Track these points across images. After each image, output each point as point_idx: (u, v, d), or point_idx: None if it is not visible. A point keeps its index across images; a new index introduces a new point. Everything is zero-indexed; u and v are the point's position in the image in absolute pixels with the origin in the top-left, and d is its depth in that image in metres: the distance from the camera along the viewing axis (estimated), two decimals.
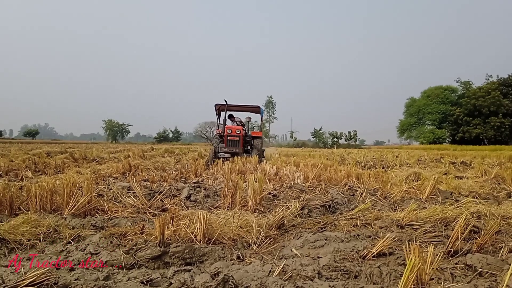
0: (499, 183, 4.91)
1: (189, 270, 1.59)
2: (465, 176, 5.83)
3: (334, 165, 6.72)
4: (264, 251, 2.08)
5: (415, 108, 53.24)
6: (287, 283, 1.45)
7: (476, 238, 2.05)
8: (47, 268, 1.47)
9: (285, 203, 3.26)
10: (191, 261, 1.86)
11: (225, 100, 9.70)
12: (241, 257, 1.94)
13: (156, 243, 1.90)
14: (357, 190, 4.11)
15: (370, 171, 5.50)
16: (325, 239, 2.12)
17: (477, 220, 2.52)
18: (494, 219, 2.52)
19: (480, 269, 1.64)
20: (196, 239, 2.08)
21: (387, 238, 1.91)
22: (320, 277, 1.57)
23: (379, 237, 2.09)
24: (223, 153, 9.25)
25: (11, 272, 1.51)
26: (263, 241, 2.22)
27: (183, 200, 3.40)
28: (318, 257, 1.84)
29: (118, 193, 3.35)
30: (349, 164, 7.77)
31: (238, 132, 9.27)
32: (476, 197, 3.60)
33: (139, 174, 5.45)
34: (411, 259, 1.31)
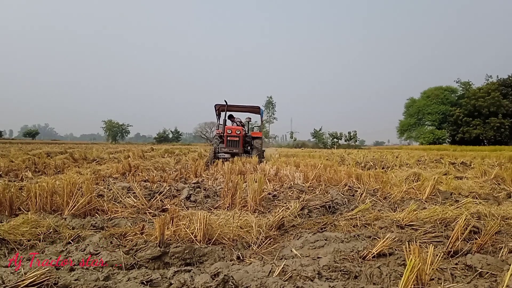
0: (499, 184, 4.91)
1: (189, 271, 1.59)
2: (465, 177, 5.83)
3: (334, 166, 6.72)
4: (264, 252, 2.08)
5: (415, 108, 53.28)
6: (287, 283, 1.45)
7: (476, 239, 2.05)
8: (47, 269, 1.47)
9: (285, 203, 3.26)
10: (191, 262, 1.86)
11: (225, 101, 9.71)
12: (241, 258, 1.94)
13: (156, 243, 1.90)
14: (357, 191, 4.11)
15: (370, 171, 5.50)
16: (325, 240, 2.12)
17: (477, 221, 2.52)
18: (494, 220, 2.52)
19: (480, 270, 1.64)
20: (196, 240, 2.08)
21: (387, 238, 1.91)
22: (320, 278, 1.57)
23: (379, 238, 2.09)
24: (223, 154, 9.25)
25: (11, 273, 1.51)
26: (263, 242, 2.22)
27: (183, 200, 3.40)
28: (318, 257, 1.84)
29: (118, 193, 3.35)
30: (349, 164, 7.77)
31: (238, 133, 9.27)
32: (476, 198, 3.61)
33: (139, 174, 5.45)
34: (411, 259, 1.31)
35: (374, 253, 1.85)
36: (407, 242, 1.88)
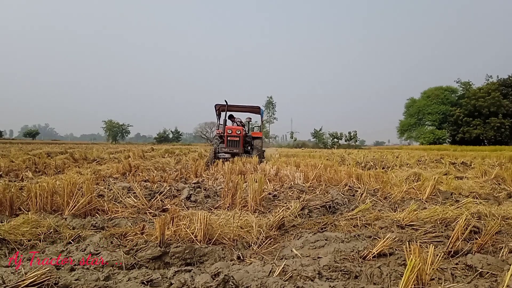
0: (499, 184, 4.91)
1: (190, 271, 1.59)
2: (465, 177, 5.83)
3: (334, 166, 6.72)
4: (265, 252, 2.08)
5: (415, 108, 53.26)
6: (288, 283, 1.45)
7: (477, 239, 2.05)
8: (48, 269, 1.47)
9: (285, 203, 3.26)
10: (192, 262, 1.86)
11: (225, 101, 9.71)
12: (241, 258, 1.94)
13: (157, 243, 1.90)
14: (357, 191, 4.11)
15: (370, 171, 5.50)
16: (326, 240, 2.12)
17: (477, 221, 2.52)
18: (494, 220, 2.52)
19: (481, 270, 1.64)
20: (197, 240, 2.09)
21: (387, 238, 1.91)
22: (320, 278, 1.57)
23: (379, 238, 2.09)
24: (223, 154, 9.25)
25: (11, 272, 1.51)
26: (264, 242, 2.22)
27: (183, 200, 3.40)
28: (318, 257, 1.84)
29: (118, 193, 3.35)
30: (349, 164, 7.77)
31: (238, 133, 9.27)
32: (477, 198, 3.60)
33: (139, 174, 5.45)
34: (412, 259, 1.31)
35: (374, 253, 1.85)
36: (407, 242, 1.88)
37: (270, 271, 1.62)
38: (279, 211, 2.72)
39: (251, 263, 1.81)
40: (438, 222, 2.55)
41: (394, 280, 1.55)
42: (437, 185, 3.95)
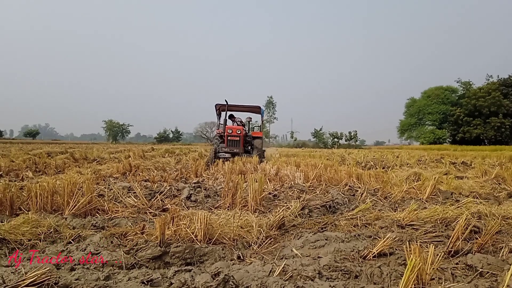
0: (499, 183, 4.91)
1: (190, 270, 1.59)
2: (466, 176, 5.82)
3: (335, 165, 6.72)
4: (265, 251, 2.08)
5: (415, 108, 53.26)
6: (288, 283, 1.45)
7: (477, 238, 2.05)
8: (48, 268, 1.47)
9: (286, 203, 3.26)
10: (192, 261, 1.86)
11: (225, 100, 9.71)
12: (241, 257, 1.94)
13: (157, 243, 1.90)
14: (357, 190, 4.11)
15: (370, 171, 5.50)
16: (326, 239, 2.12)
17: (477, 220, 2.52)
18: (494, 219, 2.52)
19: (481, 269, 1.64)
20: (197, 239, 2.09)
21: (387, 238, 1.91)
22: (320, 277, 1.57)
23: (379, 237, 2.09)
24: (223, 153, 9.25)
25: (11, 272, 1.51)
26: (264, 241, 2.22)
27: (183, 200, 3.41)
28: (318, 257, 1.84)
29: (118, 193, 3.35)
30: (350, 164, 7.77)
31: (239, 132, 9.27)
32: (477, 197, 3.60)
33: (139, 174, 5.45)
34: (412, 259, 1.31)
35: (374, 252, 1.85)
36: (407, 242, 1.88)
37: (270, 270, 1.62)
38: (279, 210, 2.72)
39: (251, 262, 1.81)
40: (438, 222, 2.55)
41: (394, 280, 1.55)
42: (437, 185, 3.95)
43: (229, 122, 10.17)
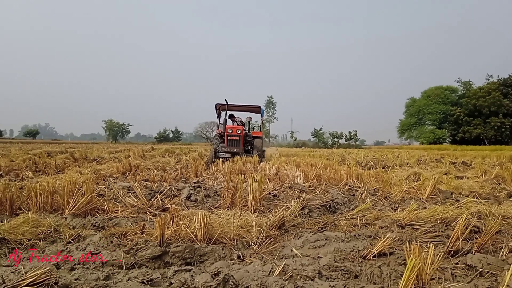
0: (499, 183, 4.91)
1: (190, 270, 1.59)
2: (466, 176, 5.82)
3: (335, 165, 6.72)
4: (265, 251, 2.08)
5: (415, 108, 53.25)
6: (288, 283, 1.45)
7: (477, 238, 2.05)
8: (48, 268, 1.47)
9: (286, 203, 3.26)
10: (192, 261, 1.86)
11: (225, 100, 9.70)
12: (241, 257, 1.94)
13: (157, 243, 1.90)
14: (357, 190, 4.11)
15: (370, 171, 5.50)
16: (326, 239, 2.12)
17: (477, 220, 2.52)
18: (494, 219, 2.52)
19: (481, 269, 1.64)
20: (197, 239, 2.09)
21: (387, 238, 1.91)
22: (320, 277, 1.57)
23: (379, 237, 2.09)
24: (223, 153, 9.25)
25: (11, 272, 1.51)
26: (264, 241, 2.22)
27: (183, 200, 3.41)
28: (318, 257, 1.84)
29: (118, 193, 3.35)
30: (350, 164, 7.77)
31: (239, 132, 9.27)
32: (477, 197, 3.60)
33: (139, 174, 5.45)
34: (412, 259, 1.31)
35: (374, 252, 1.85)
36: (407, 242, 1.88)
37: (270, 270, 1.62)
38: (279, 210, 2.72)
39: (251, 262, 1.81)
40: (438, 222, 2.55)
41: (394, 279, 1.55)
42: (437, 184, 3.95)
43: (229, 122, 10.17)
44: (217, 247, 1.99)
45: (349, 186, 4.44)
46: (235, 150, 9.20)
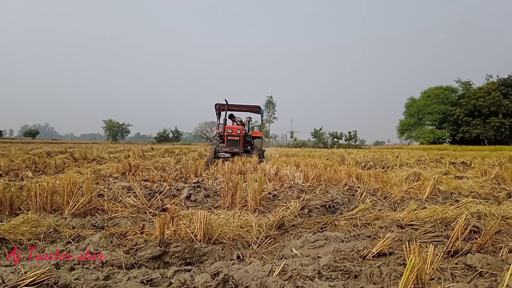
0: (499, 183, 4.91)
1: (189, 270, 1.59)
2: (465, 176, 5.83)
3: (334, 165, 6.72)
4: (264, 251, 2.08)
5: (415, 108, 53.27)
6: (287, 283, 1.45)
7: (476, 238, 2.05)
8: (47, 268, 1.47)
9: (285, 203, 3.26)
10: (191, 261, 1.86)
11: (225, 100, 9.70)
12: (241, 257, 1.94)
13: (156, 243, 1.90)
14: (357, 190, 4.11)
15: (370, 171, 5.50)
16: (325, 239, 2.12)
17: (477, 220, 2.52)
18: (494, 219, 2.52)
19: (480, 269, 1.64)
20: (196, 239, 2.09)
21: (387, 238, 1.91)
22: (320, 277, 1.57)
23: (379, 237, 2.09)
24: (223, 153, 9.25)
25: (11, 272, 1.51)
26: (263, 241, 2.22)
27: (183, 200, 3.41)
28: (318, 257, 1.84)
29: (118, 193, 3.35)
30: (349, 164, 7.77)
31: (239, 132, 9.27)
32: (476, 197, 3.60)
33: (139, 174, 5.45)
34: (411, 259, 1.31)
35: (374, 252, 1.85)
36: (407, 242, 1.88)
37: (270, 270, 1.62)
38: (279, 210, 2.72)
39: (251, 262, 1.81)
40: (438, 222, 2.55)
41: (393, 279, 1.55)
42: (437, 184, 3.95)
43: (229, 122, 10.17)
44: (216, 247, 1.99)
45: (349, 186, 4.44)
46: (235, 150, 9.20)
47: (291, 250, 2.03)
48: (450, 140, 50.16)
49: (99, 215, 2.70)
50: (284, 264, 1.69)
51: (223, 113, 10.15)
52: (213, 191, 3.86)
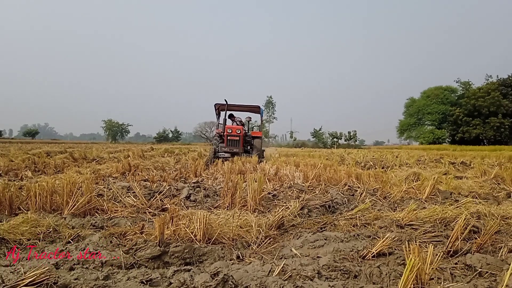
0: (498, 183, 4.92)
1: (189, 270, 1.59)
2: (465, 176, 5.83)
3: (334, 165, 6.72)
4: (264, 251, 2.08)
5: (414, 108, 53.31)
6: (287, 283, 1.45)
7: (476, 238, 2.05)
8: (47, 268, 1.47)
9: (285, 203, 3.26)
10: (191, 261, 1.86)
11: (225, 100, 9.70)
12: (240, 257, 1.94)
13: (156, 242, 1.90)
14: (356, 190, 4.11)
15: (369, 171, 5.50)
16: (325, 239, 2.12)
17: (476, 220, 2.52)
18: (493, 219, 2.52)
19: (480, 269, 1.64)
20: (196, 239, 2.08)
21: (386, 238, 1.91)
22: (319, 277, 1.57)
23: (378, 237, 2.09)
24: (223, 153, 9.25)
25: (10, 272, 1.51)
26: (263, 241, 2.22)
27: (182, 200, 3.40)
28: (317, 257, 1.84)
29: (117, 193, 3.35)
30: (349, 164, 7.77)
31: (239, 132, 9.27)
32: (476, 197, 3.61)
33: (138, 174, 5.45)
34: (411, 259, 1.31)
35: (373, 252, 1.85)
36: (406, 242, 1.88)
37: (270, 270, 1.62)
38: (278, 210, 2.72)
39: (250, 262, 1.81)
40: (438, 222, 2.55)
41: (393, 279, 1.55)
42: (437, 184, 3.95)
43: (229, 122, 10.17)
44: (216, 247, 1.99)
45: (349, 186, 4.45)
46: (234, 150, 9.20)
47: (291, 250, 2.03)
48: (449, 140, 50.19)
49: (99, 215, 2.70)
50: (284, 264, 1.69)
51: (222, 113, 10.15)
52: (213, 191, 3.86)
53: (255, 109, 10.60)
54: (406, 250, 1.61)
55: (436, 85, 53.71)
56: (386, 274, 1.58)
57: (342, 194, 3.81)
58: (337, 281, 1.52)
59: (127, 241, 2.08)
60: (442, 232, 2.32)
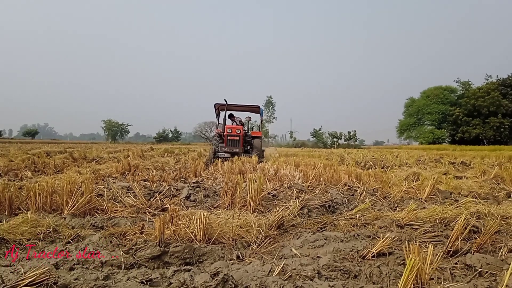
0: (498, 183, 4.92)
1: (189, 270, 1.59)
2: (465, 176, 5.83)
3: (334, 165, 6.73)
4: (264, 251, 2.08)
5: (414, 108, 53.35)
6: (287, 282, 1.45)
7: (476, 238, 2.05)
8: (47, 268, 1.47)
9: (285, 203, 3.26)
10: (191, 261, 1.86)
11: (225, 100, 9.70)
12: (240, 257, 1.94)
13: (156, 243, 1.90)
14: (356, 190, 4.11)
15: (369, 171, 5.50)
16: (325, 239, 2.12)
17: (476, 220, 2.52)
18: (493, 219, 2.53)
19: (480, 269, 1.64)
20: (196, 239, 2.08)
21: (386, 238, 1.91)
22: (319, 277, 1.57)
23: (378, 237, 2.10)
24: (223, 153, 9.24)
25: (10, 272, 1.51)
26: (263, 241, 2.22)
27: (182, 200, 3.40)
28: (317, 257, 1.84)
29: (117, 193, 3.34)
30: (349, 164, 7.77)
31: (238, 132, 9.27)
32: (476, 197, 3.61)
33: (138, 174, 5.44)
34: (411, 259, 1.31)
35: (373, 252, 1.85)
36: (406, 242, 1.88)
37: (270, 270, 1.62)
38: (278, 210, 2.72)
39: (250, 262, 1.81)
40: (438, 222, 2.55)
41: (393, 279, 1.55)
42: (437, 184, 3.95)
43: (229, 122, 10.17)
44: (216, 247, 1.99)
45: (348, 186, 4.45)
46: (234, 150, 9.20)
47: (291, 250, 2.03)
48: (449, 140, 50.23)
49: (99, 215, 2.70)
50: (284, 264, 1.69)
51: (222, 113, 10.15)
52: (213, 191, 3.86)
53: (255, 109, 10.60)
54: (406, 250, 1.62)
55: (436, 85, 53.83)
56: (386, 274, 1.58)
57: (342, 194, 3.81)
58: (337, 281, 1.52)
59: (127, 241, 2.08)
60: (442, 232, 2.32)
